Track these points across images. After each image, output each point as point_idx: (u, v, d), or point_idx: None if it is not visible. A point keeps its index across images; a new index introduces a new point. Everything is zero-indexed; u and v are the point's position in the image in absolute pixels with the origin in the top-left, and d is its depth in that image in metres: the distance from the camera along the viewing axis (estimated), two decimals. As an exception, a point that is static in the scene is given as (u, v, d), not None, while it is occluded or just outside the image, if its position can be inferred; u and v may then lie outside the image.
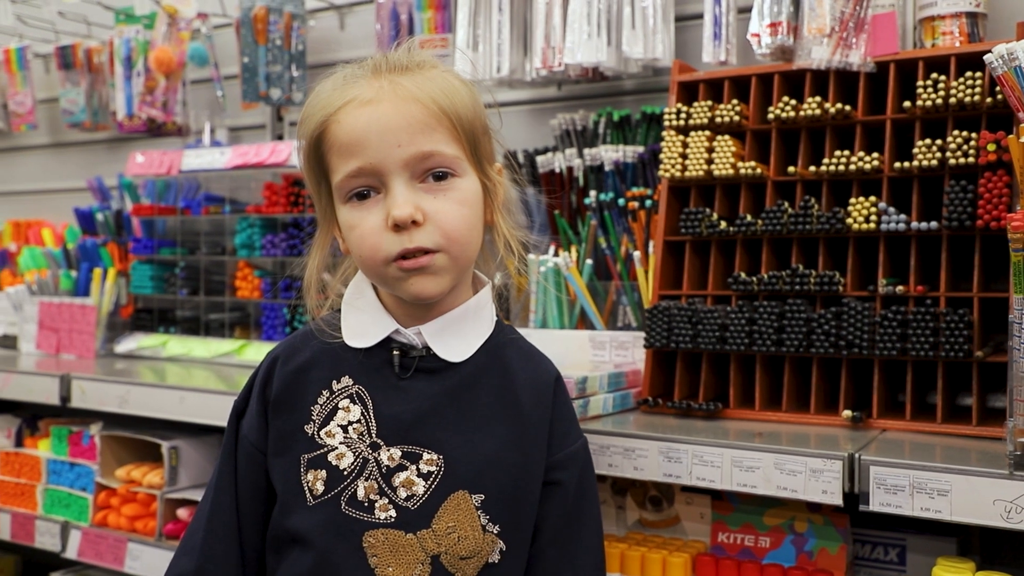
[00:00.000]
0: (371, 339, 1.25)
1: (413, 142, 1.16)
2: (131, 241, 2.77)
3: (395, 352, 1.24)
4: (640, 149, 2.07)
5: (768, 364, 1.69)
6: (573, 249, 2.04)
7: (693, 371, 1.76)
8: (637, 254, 1.88)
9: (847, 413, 1.55)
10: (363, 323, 1.26)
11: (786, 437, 1.50)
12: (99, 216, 2.93)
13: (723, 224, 1.73)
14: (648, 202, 1.96)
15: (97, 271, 2.73)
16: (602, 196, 2.05)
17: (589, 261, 1.97)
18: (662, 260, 1.80)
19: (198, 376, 2.26)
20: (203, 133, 2.87)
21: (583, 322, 1.98)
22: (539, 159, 2.20)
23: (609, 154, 2.09)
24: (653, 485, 1.69)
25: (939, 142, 1.56)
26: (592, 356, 1.91)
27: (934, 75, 1.59)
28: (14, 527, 2.34)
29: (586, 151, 2.12)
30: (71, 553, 2.22)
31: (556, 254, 2.00)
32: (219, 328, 2.64)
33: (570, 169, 2.15)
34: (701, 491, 1.64)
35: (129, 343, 2.70)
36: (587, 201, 2.06)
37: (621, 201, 2.01)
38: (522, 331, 1.96)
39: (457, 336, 1.26)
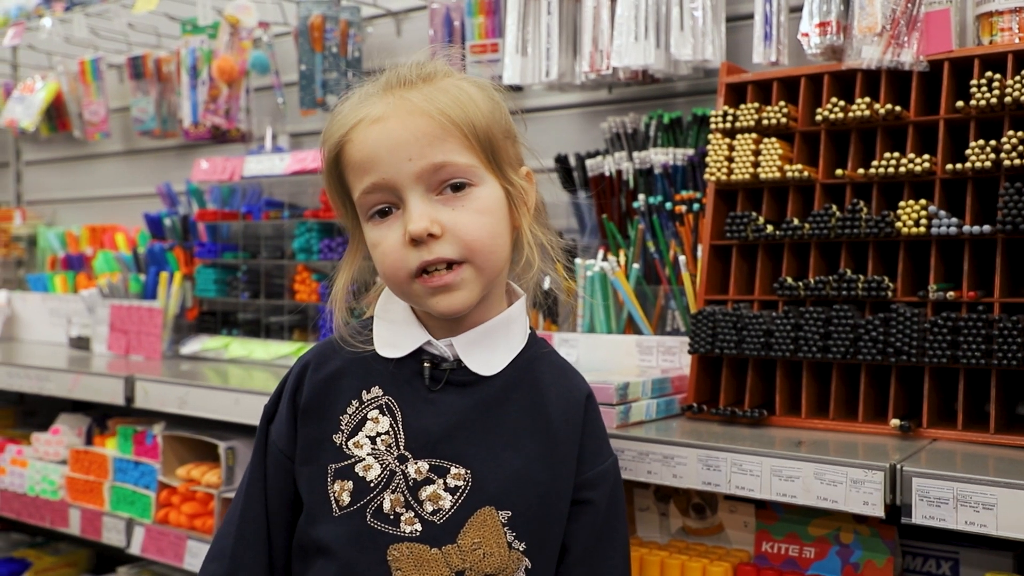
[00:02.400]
0: (402, 349, 1.25)
1: (423, 154, 1.15)
2: (196, 245, 2.84)
3: (426, 364, 1.24)
4: (690, 152, 2.05)
5: (815, 371, 1.65)
6: (622, 253, 2.02)
7: (739, 377, 1.73)
8: (683, 258, 1.86)
9: (895, 422, 1.51)
10: (395, 333, 1.27)
11: (830, 446, 1.46)
12: (167, 221, 3.01)
13: (769, 228, 1.70)
14: (696, 205, 1.93)
15: (163, 275, 2.81)
16: (651, 199, 2.03)
17: (636, 265, 1.96)
18: (708, 264, 1.78)
19: (258, 377, 2.31)
20: (265, 139, 2.93)
21: (631, 326, 1.97)
22: (588, 162, 2.19)
23: (659, 157, 2.07)
24: (696, 492, 1.67)
25: (993, 143, 1.51)
26: (639, 361, 1.90)
27: (988, 73, 1.53)
28: (83, 523, 2.41)
29: (635, 154, 2.11)
30: (135, 549, 2.29)
31: (604, 258, 1.99)
32: (279, 331, 2.69)
33: (619, 172, 2.14)
34: (745, 499, 1.62)
35: (194, 345, 2.77)
36: (636, 205, 2.04)
37: (668, 205, 1.99)
38: (570, 335, 1.98)
39: (489, 349, 1.25)
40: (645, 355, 1.89)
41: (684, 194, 2.00)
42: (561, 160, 2.29)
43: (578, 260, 1.99)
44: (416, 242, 1.15)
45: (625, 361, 1.91)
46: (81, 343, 3.05)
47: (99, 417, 2.65)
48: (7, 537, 3.10)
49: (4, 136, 4.01)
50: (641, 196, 2.04)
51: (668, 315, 1.98)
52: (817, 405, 1.66)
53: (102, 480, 2.39)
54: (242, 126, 2.97)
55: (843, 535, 1.53)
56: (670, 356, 1.86)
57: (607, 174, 2.16)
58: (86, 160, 3.81)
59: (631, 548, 1.60)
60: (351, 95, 1.24)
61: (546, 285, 2.14)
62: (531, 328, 1.34)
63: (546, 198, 2.29)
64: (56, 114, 3.61)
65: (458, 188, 1.18)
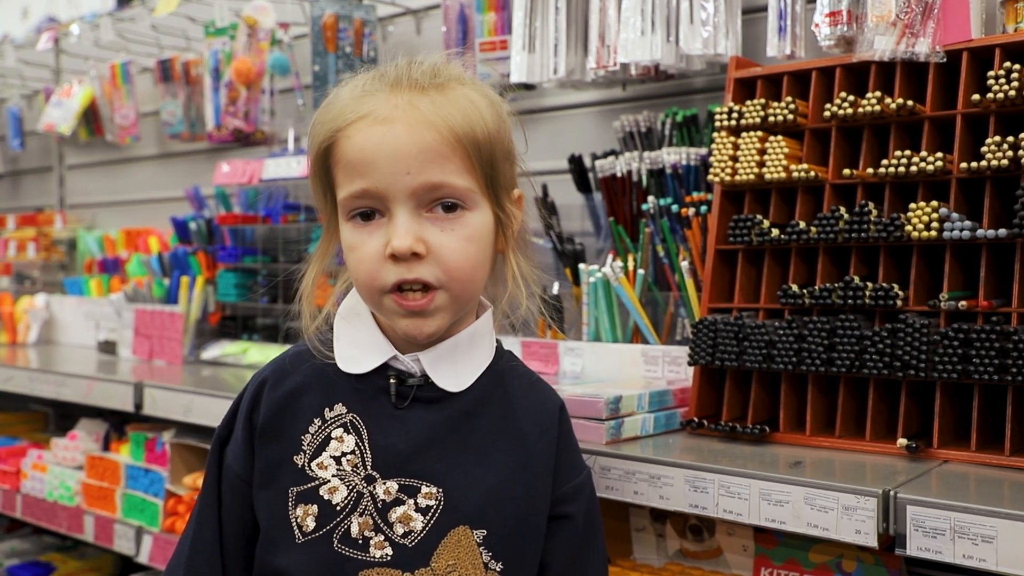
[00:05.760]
0: (366, 365, 1.19)
1: (423, 171, 1.09)
2: (218, 249, 2.82)
3: (392, 381, 1.18)
4: (703, 151, 1.95)
5: (822, 385, 1.55)
6: (631, 257, 1.93)
7: (743, 390, 1.63)
8: (685, 264, 1.77)
9: (902, 442, 1.40)
10: (358, 345, 1.20)
11: (832, 467, 1.36)
12: (192, 225, 3.00)
13: (775, 232, 1.59)
14: (704, 208, 1.84)
15: (184, 279, 2.79)
16: (661, 201, 1.93)
17: (641, 271, 1.87)
18: (713, 270, 1.68)
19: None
20: (288, 142, 2.90)
21: (639, 334, 1.88)
22: (599, 163, 2.10)
23: (669, 157, 1.97)
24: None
25: (1011, 139, 1.39)
26: (645, 372, 1.81)
27: (1007, 64, 1.41)
28: (97, 529, 2.41)
29: (646, 154, 2.01)
30: (143, 558, 2.27)
31: (614, 262, 1.90)
32: (296, 336, 2.65)
33: (629, 173, 2.04)
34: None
35: (214, 350, 2.75)
36: (645, 207, 1.95)
37: (675, 207, 1.90)
38: (575, 344, 1.90)
39: (457, 364, 1.19)
40: (651, 365, 1.80)
41: (696, 196, 1.90)
42: (575, 160, 2.21)
43: (582, 265, 1.91)
44: (397, 258, 1.09)
45: (631, 371, 1.82)
46: (108, 347, 3.05)
47: (117, 423, 2.64)
48: (38, 540, 3.13)
49: (47, 140, 4.06)
50: (651, 198, 1.95)
51: (678, 323, 1.89)
52: (824, 421, 1.55)
53: (115, 487, 2.38)
54: (266, 128, 2.94)
55: (845, 563, 1.42)
56: (676, 367, 1.77)
57: (618, 175, 2.07)
58: (123, 164, 3.84)
59: (625, 571, 1.53)
60: (352, 82, 1.17)
61: (555, 290, 2.07)
62: (497, 340, 1.28)
63: (560, 199, 2.23)
64: (92, 118, 3.64)
65: (450, 208, 1.12)
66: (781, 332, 1.52)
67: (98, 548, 3.02)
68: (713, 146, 1.68)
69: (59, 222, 3.85)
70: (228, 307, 2.85)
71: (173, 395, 2.19)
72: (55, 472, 2.54)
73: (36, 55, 3.90)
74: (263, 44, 2.78)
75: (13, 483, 2.69)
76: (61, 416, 3.32)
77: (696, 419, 1.59)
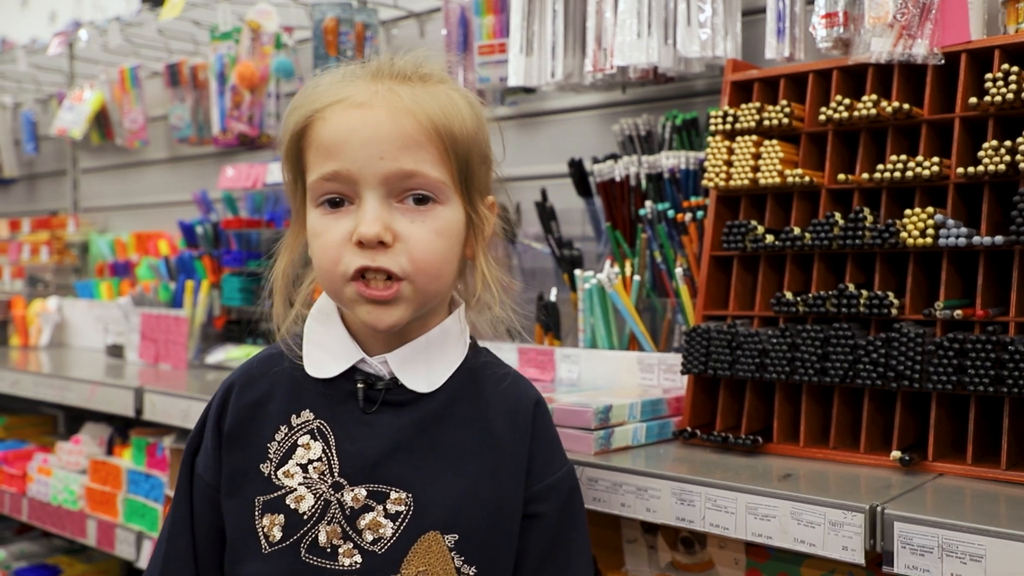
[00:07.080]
0: (334, 369, 1.17)
1: (396, 157, 1.08)
2: (224, 253, 2.82)
3: (359, 386, 1.16)
4: (702, 155, 1.92)
5: (816, 395, 1.51)
6: (628, 263, 1.91)
7: (738, 399, 1.60)
8: (679, 270, 1.74)
9: (896, 454, 1.36)
10: (326, 348, 1.18)
11: (823, 479, 1.33)
12: (199, 229, 3.00)
13: (769, 238, 1.56)
14: (700, 213, 1.81)
15: (189, 283, 2.79)
16: (659, 206, 1.91)
17: (637, 277, 1.84)
18: (709, 277, 1.65)
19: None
20: (292, 145, 2.89)
21: (637, 341, 1.85)
22: (597, 167, 2.07)
23: (667, 161, 1.94)
24: (684, 525, 1.55)
25: (1008, 143, 1.35)
26: (640, 379, 1.78)
27: (1005, 66, 1.37)
28: (99, 534, 2.41)
29: (644, 158, 1.98)
30: (143, 563, 2.26)
31: (612, 267, 1.88)
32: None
33: (627, 177, 2.02)
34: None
35: (218, 354, 2.75)
36: (642, 212, 1.92)
37: (671, 212, 1.87)
38: (571, 351, 1.87)
39: (427, 365, 1.17)
40: (646, 373, 1.78)
41: (693, 200, 1.87)
42: (575, 164, 2.18)
43: (577, 271, 1.89)
44: (362, 245, 1.08)
45: (626, 379, 1.80)
46: (116, 351, 3.06)
47: (122, 426, 2.64)
48: (47, 543, 3.14)
49: (61, 145, 4.09)
50: (648, 203, 1.92)
51: (676, 330, 1.86)
52: (819, 431, 1.52)
53: (116, 491, 2.38)
54: (271, 132, 2.94)
55: (837, 577, 1.39)
56: (672, 374, 1.74)
57: (617, 179, 2.04)
58: (134, 167, 3.85)
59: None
60: (334, 70, 1.16)
61: (552, 296, 2.05)
62: (472, 337, 1.25)
63: (561, 204, 2.20)
64: (104, 122, 3.65)
65: (421, 201, 1.11)
66: (774, 341, 1.49)
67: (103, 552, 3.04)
68: (708, 151, 1.65)
69: (72, 225, 3.87)
70: (233, 311, 2.84)
71: (172, 400, 2.18)
72: (59, 476, 2.55)
73: (50, 60, 3.92)
74: (267, 48, 2.78)
75: (20, 487, 2.70)
76: (70, 419, 3.33)
77: (689, 429, 1.56)
